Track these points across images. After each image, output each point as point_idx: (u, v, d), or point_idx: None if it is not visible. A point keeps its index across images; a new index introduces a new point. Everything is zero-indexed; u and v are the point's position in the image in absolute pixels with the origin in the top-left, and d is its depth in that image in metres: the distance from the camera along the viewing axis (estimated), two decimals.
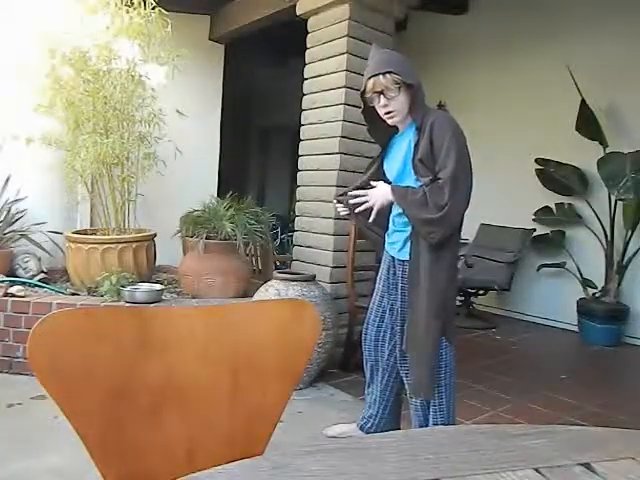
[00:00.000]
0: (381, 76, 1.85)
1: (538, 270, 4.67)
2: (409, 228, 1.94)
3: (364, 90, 1.93)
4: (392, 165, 2.04)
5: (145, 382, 0.92)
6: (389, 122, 1.96)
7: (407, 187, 1.90)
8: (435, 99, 5.05)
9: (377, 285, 2.19)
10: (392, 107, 1.90)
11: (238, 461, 0.57)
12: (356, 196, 1.99)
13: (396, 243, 2.04)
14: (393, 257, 2.06)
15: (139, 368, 0.92)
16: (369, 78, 1.88)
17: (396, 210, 2.02)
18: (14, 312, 2.93)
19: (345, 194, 2.13)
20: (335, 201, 2.18)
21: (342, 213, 2.16)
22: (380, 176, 2.08)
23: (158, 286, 3.20)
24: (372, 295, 2.23)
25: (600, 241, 4.20)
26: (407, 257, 1.95)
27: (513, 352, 3.90)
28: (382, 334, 2.16)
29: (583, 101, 4.07)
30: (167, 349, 0.94)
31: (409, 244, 1.94)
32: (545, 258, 4.68)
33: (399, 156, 1.98)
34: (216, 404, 0.98)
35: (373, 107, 1.97)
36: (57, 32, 3.24)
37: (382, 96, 1.88)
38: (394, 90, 1.87)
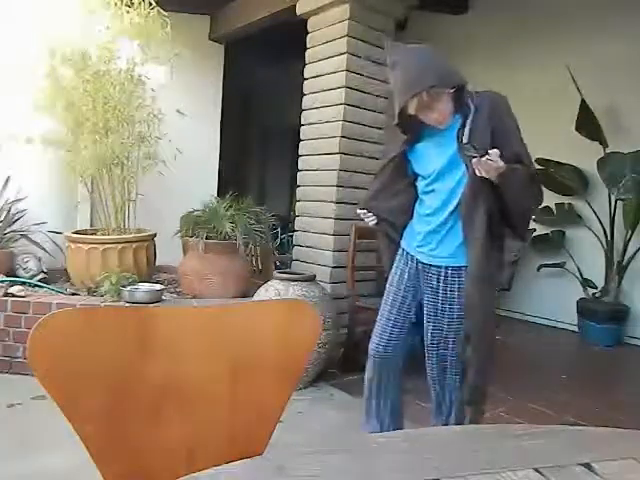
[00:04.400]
0: (424, 94, 1.62)
1: (538, 270, 4.67)
2: (445, 228, 1.79)
3: (404, 109, 1.69)
4: (431, 164, 1.81)
5: (145, 382, 0.92)
6: (438, 125, 1.74)
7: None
8: None
9: (393, 296, 1.93)
10: (442, 116, 1.70)
11: (238, 461, 0.57)
12: (483, 155, 1.60)
13: (426, 246, 1.84)
14: (426, 264, 1.84)
15: (139, 368, 0.92)
16: (412, 97, 1.64)
17: (428, 208, 1.83)
18: (14, 312, 2.93)
19: (374, 199, 1.95)
20: (364, 211, 1.95)
21: (371, 223, 1.95)
22: (402, 176, 1.91)
23: (158, 286, 3.20)
24: (383, 308, 1.96)
25: (600, 241, 4.20)
26: (462, 263, 1.76)
27: (513, 352, 3.90)
28: (401, 348, 1.93)
29: (583, 101, 4.06)
30: (167, 349, 0.94)
31: (462, 248, 1.75)
32: (545, 258, 4.68)
33: (442, 153, 1.77)
34: (216, 404, 0.98)
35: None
36: (57, 32, 3.24)
37: (428, 110, 1.68)
38: (442, 101, 1.67)
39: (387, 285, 1.98)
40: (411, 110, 1.67)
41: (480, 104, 1.71)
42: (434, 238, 1.82)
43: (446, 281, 1.79)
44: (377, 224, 1.96)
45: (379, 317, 1.97)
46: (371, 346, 1.96)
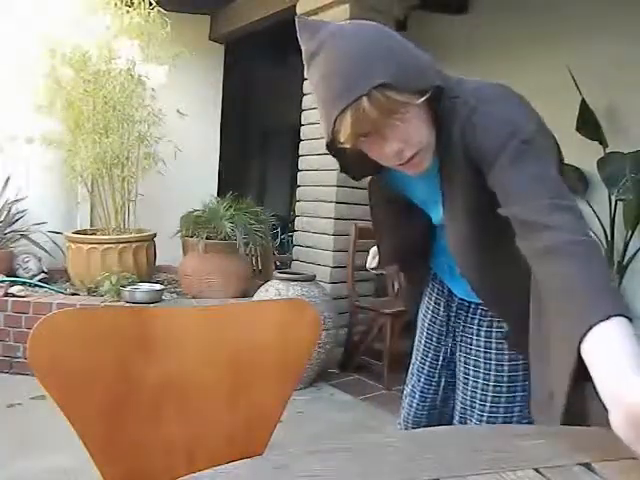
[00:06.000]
0: (365, 100, 0.80)
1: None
2: None
3: (333, 139, 0.89)
4: (416, 198, 1.13)
5: (145, 382, 0.92)
6: (413, 172, 0.93)
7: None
8: None
9: (429, 346, 1.27)
10: (412, 147, 0.88)
11: (238, 461, 0.57)
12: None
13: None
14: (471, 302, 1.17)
15: (139, 368, 0.92)
16: (341, 113, 0.82)
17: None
18: (14, 312, 2.93)
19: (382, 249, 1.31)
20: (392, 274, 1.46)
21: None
22: (392, 200, 1.17)
23: (158, 286, 3.20)
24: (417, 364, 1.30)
25: (600, 241, 4.20)
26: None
27: None
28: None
29: (583, 101, 4.06)
30: (167, 349, 0.94)
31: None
32: None
33: (422, 195, 1.10)
34: (216, 404, 0.98)
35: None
36: (57, 32, 3.24)
37: (378, 137, 0.87)
38: (407, 119, 0.85)
39: None
40: (344, 138, 0.85)
41: (465, 129, 0.89)
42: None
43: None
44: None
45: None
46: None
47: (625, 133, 4.18)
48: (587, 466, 0.59)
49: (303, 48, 0.90)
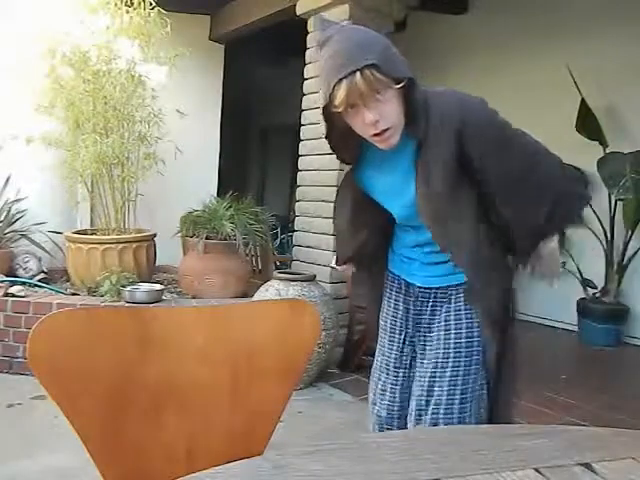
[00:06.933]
0: (359, 75, 1.06)
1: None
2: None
3: (329, 103, 1.13)
4: (382, 190, 1.32)
5: (145, 382, 0.92)
6: (383, 146, 1.18)
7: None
8: None
9: (391, 341, 1.42)
10: (386, 122, 1.13)
11: (238, 461, 0.58)
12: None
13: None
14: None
15: (139, 368, 0.92)
16: (339, 81, 1.08)
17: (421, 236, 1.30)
18: (14, 312, 2.93)
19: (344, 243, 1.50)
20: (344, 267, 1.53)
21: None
22: (364, 203, 1.36)
23: (158, 286, 3.20)
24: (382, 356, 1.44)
25: (600, 241, 4.20)
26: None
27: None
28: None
29: (583, 101, 4.06)
30: (167, 349, 0.94)
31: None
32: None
33: (396, 195, 1.29)
34: (216, 404, 0.98)
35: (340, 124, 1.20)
36: (57, 32, 3.24)
37: (362, 106, 1.11)
38: (385, 99, 1.11)
39: None
40: (338, 101, 1.10)
41: (441, 116, 1.17)
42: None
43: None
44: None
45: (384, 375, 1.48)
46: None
47: (625, 133, 4.18)
48: (587, 466, 0.59)
49: (316, 37, 1.20)
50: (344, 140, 1.26)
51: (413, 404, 1.33)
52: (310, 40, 3.41)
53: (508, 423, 1.32)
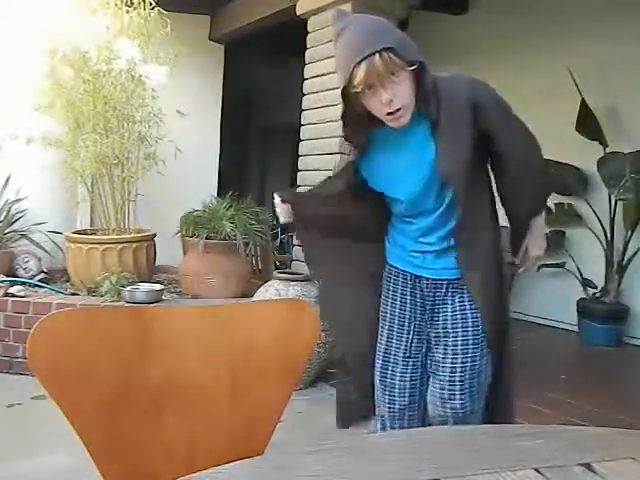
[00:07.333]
0: (377, 56, 1.17)
1: (538, 270, 4.67)
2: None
3: (349, 83, 1.22)
4: (396, 187, 1.40)
5: (145, 382, 0.92)
6: (395, 124, 1.28)
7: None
8: None
9: (394, 326, 1.49)
10: (399, 101, 1.23)
11: (238, 461, 0.57)
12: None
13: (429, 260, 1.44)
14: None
15: (139, 368, 0.92)
16: (358, 63, 1.18)
17: (428, 221, 1.41)
18: (14, 312, 2.93)
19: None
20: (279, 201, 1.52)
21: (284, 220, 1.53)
22: (355, 190, 1.47)
23: (158, 286, 3.20)
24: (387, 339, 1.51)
25: (600, 241, 4.20)
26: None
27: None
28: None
29: (583, 101, 4.06)
30: (167, 349, 0.94)
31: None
32: (545, 258, 4.67)
33: (409, 174, 1.36)
34: (216, 404, 0.98)
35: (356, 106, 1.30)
36: (57, 32, 3.24)
37: (380, 87, 1.21)
38: (400, 80, 1.22)
39: None
40: (357, 81, 1.19)
41: (452, 94, 1.29)
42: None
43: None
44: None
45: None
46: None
47: (625, 133, 4.18)
48: (587, 466, 0.59)
49: (334, 28, 1.29)
50: (356, 124, 1.35)
51: (437, 388, 1.42)
52: (310, 40, 3.41)
53: (508, 423, 1.39)
